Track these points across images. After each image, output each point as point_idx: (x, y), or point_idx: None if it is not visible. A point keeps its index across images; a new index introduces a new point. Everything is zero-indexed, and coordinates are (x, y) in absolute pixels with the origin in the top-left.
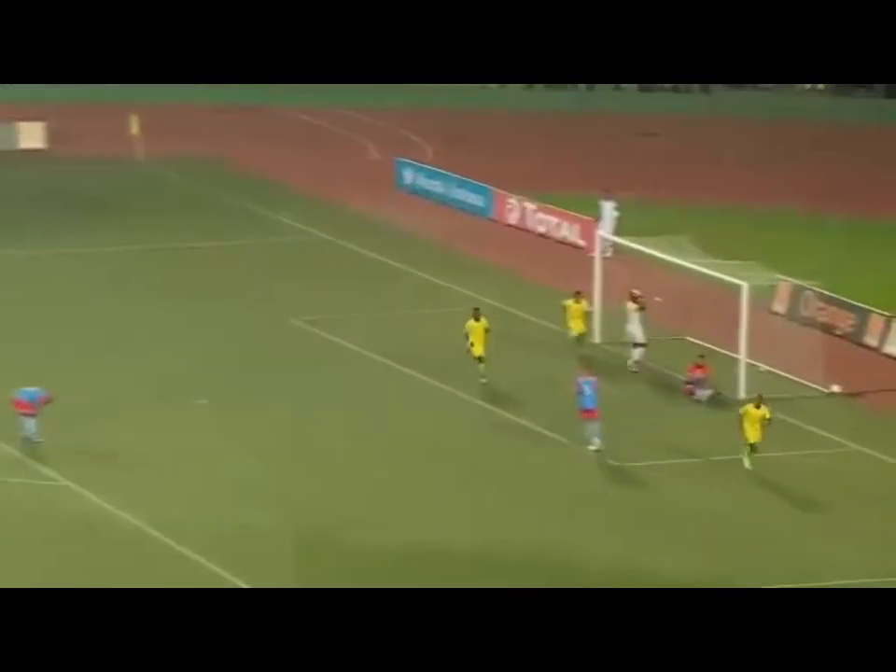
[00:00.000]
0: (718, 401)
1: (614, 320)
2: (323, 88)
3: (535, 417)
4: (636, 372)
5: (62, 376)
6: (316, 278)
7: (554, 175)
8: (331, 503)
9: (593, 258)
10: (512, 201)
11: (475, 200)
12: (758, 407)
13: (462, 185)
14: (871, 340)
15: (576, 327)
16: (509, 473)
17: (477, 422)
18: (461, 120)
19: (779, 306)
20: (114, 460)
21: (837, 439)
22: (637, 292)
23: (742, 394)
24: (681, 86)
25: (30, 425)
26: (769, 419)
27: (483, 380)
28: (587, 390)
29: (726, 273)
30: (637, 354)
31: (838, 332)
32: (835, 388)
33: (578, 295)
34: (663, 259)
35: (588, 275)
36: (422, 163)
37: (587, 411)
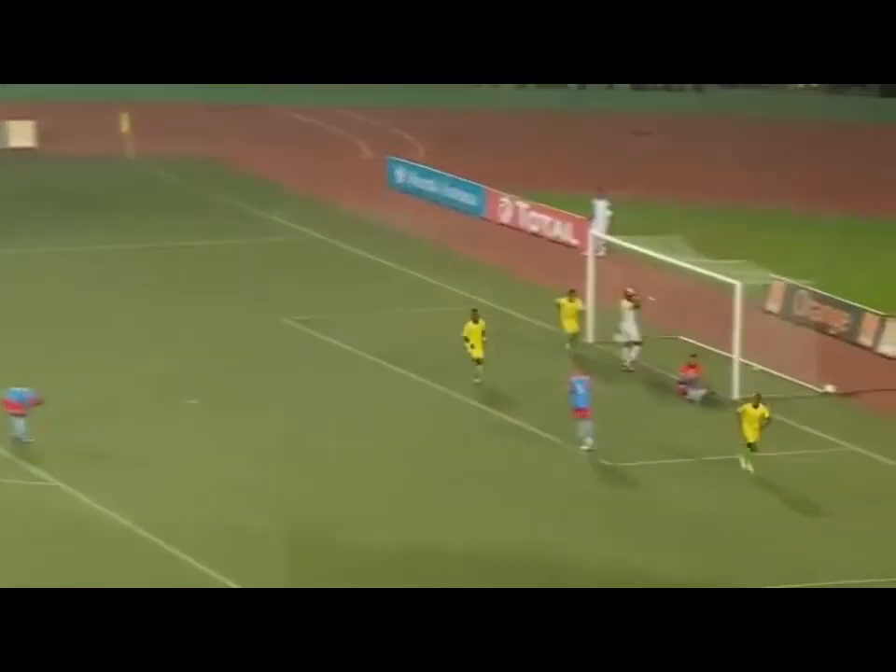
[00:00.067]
0: (711, 401)
1: (607, 320)
2: (316, 86)
3: (528, 417)
4: (631, 371)
5: (52, 376)
6: (309, 278)
7: (547, 174)
8: (323, 503)
9: (586, 257)
10: (505, 200)
11: (468, 199)
12: (756, 406)
13: (454, 184)
14: (865, 339)
15: (570, 326)
16: (502, 473)
17: (470, 422)
18: (453, 119)
19: (773, 305)
20: (105, 460)
21: (831, 439)
22: (631, 290)
23: (736, 394)
24: (674, 84)
25: (19, 425)
26: (768, 418)
27: (477, 380)
28: (580, 389)
29: (720, 273)
30: (633, 353)
31: (832, 332)
32: (829, 388)
33: (572, 294)
34: (656, 259)
35: (581, 274)
36: (414, 162)
37: (580, 409)
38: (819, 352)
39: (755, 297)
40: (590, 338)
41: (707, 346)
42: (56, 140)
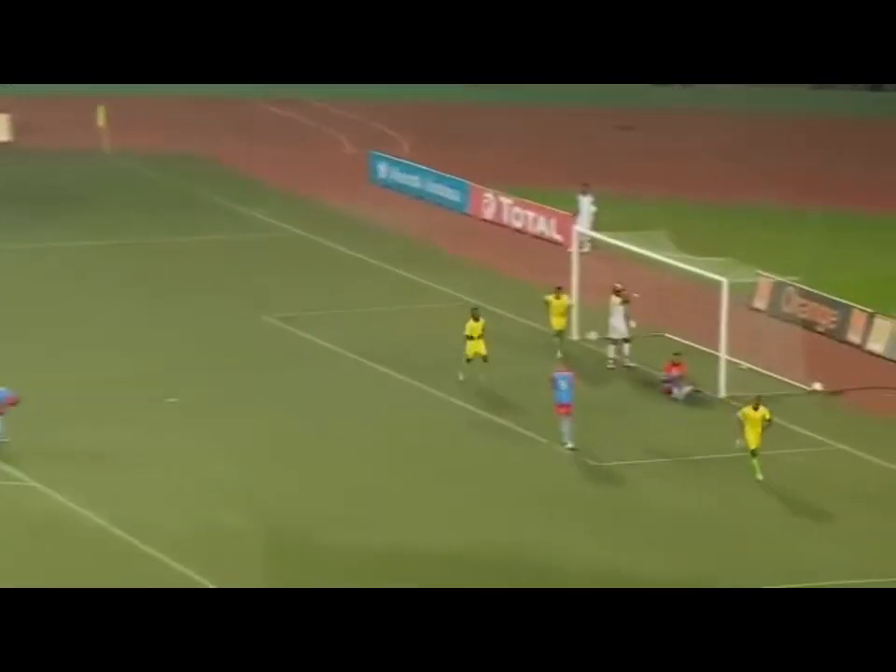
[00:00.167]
0: (696, 399)
1: (593, 316)
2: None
3: (513, 416)
4: (614, 369)
5: (29, 375)
6: (291, 275)
7: (531, 170)
8: (304, 502)
9: (570, 253)
10: (489, 195)
11: (451, 194)
12: (756, 409)
13: (438, 179)
14: (853, 336)
15: (557, 323)
16: (487, 473)
17: (455, 420)
18: (436, 114)
19: (760, 303)
20: (83, 460)
21: (819, 437)
22: (619, 286)
23: (722, 392)
24: None
25: None
26: (769, 420)
27: (461, 377)
28: (563, 385)
29: (706, 270)
30: (625, 349)
31: (820, 329)
32: (817, 386)
33: (559, 290)
34: (641, 255)
35: (565, 271)
36: (397, 157)
37: (562, 405)
38: (806, 350)
39: (742, 294)
40: (575, 335)
41: (693, 344)
42: (31, 133)
